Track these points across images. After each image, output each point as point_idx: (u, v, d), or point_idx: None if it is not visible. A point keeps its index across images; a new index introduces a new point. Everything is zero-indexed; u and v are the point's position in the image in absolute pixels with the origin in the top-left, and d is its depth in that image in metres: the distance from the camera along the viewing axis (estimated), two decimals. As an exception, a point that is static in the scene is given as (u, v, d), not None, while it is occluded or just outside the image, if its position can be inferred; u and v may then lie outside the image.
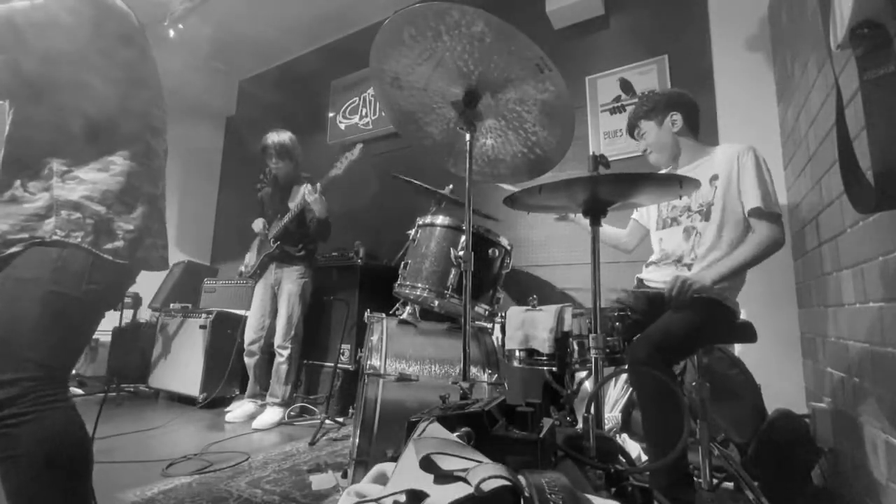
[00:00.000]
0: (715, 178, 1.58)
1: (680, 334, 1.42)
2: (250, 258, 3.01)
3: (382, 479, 0.64)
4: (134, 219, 1.05)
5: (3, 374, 0.88)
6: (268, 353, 2.89)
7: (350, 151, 2.62)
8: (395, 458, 0.69)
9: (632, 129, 1.76)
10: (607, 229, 1.96)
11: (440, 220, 1.73)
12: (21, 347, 0.90)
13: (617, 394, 2.02)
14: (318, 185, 2.70)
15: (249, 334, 2.88)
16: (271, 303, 2.89)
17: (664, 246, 1.69)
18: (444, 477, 0.56)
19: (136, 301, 3.74)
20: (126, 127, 1.07)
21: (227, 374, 3.05)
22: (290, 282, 2.83)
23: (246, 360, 2.90)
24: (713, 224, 1.56)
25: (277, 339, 2.78)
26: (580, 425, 0.93)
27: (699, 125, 1.70)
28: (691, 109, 1.68)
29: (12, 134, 1.01)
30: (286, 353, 2.75)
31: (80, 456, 0.96)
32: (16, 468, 0.87)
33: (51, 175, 0.97)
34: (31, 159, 0.99)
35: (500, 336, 1.71)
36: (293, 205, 2.81)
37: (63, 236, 0.95)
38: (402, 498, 0.56)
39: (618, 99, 2.80)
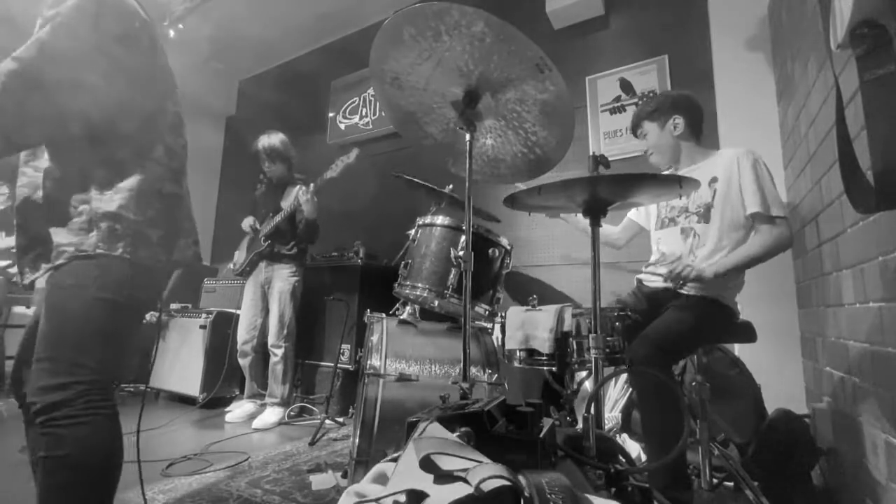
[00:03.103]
0: (714, 180, 1.58)
1: (679, 334, 1.42)
2: (239, 256, 3.02)
3: (382, 479, 0.64)
4: (165, 223, 1.08)
5: (58, 378, 0.92)
6: (262, 353, 2.89)
7: (347, 155, 2.62)
8: (395, 459, 0.69)
9: (635, 127, 1.76)
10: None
11: (440, 220, 1.73)
12: (74, 352, 0.94)
13: (617, 394, 2.02)
14: (312, 186, 2.70)
15: (241, 334, 2.88)
16: (262, 302, 2.89)
17: (662, 247, 1.69)
18: (444, 477, 0.56)
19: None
20: (144, 130, 1.08)
21: (224, 373, 3.05)
22: (281, 280, 2.82)
23: (240, 360, 2.89)
24: (713, 227, 1.56)
25: (271, 339, 2.78)
26: (580, 425, 0.92)
27: (702, 129, 1.71)
28: (695, 113, 1.68)
29: (53, 153, 1.04)
30: (280, 352, 2.75)
31: (115, 463, 0.99)
32: (56, 468, 0.90)
33: (89, 187, 1.01)
34: (74, 175, 1.02)
35: (500, 336, 1.71)
36: (286, 204, 2.82)
37: (106, 249, 0.98)
38: (402, 498, 0.56)
39: (618, 99, 2.80)
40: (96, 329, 0.97)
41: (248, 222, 2.97)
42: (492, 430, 0.70)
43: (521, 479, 0.56)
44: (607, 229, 1.96)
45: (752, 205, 1.49)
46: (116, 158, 1.04)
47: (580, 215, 1.94)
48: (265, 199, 3.01)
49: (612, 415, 1.94)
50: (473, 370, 1.59)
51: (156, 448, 2.15)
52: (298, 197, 2.71)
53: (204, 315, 3.19)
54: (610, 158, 1.36)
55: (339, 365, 2.75)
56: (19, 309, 3.42)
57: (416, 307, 1.86)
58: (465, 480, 0.54)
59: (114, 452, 0.99)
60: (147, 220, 1.04)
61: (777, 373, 2.03)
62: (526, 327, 1.55)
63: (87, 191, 1.01)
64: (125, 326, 1.04)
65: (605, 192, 1.20)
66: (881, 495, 1.24)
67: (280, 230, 2.85)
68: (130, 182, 1.03)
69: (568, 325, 1.48)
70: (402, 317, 1.77)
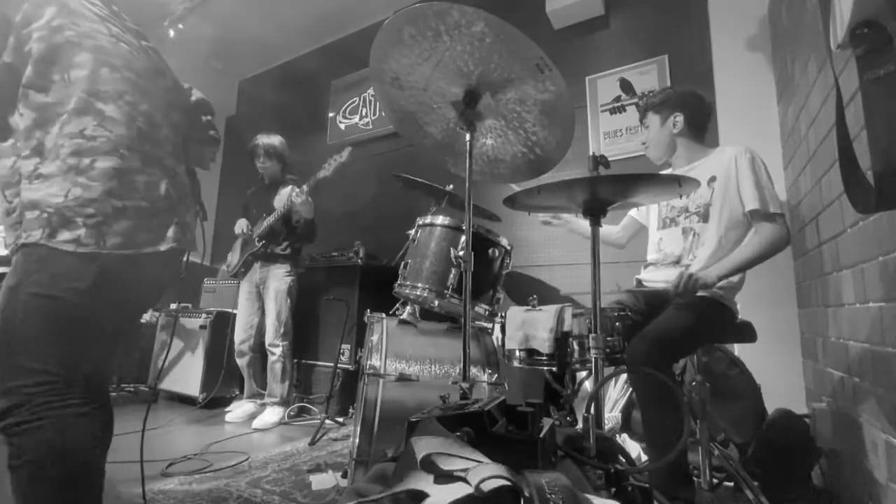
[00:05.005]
0: (713, 179, 1.58)
1: (678, 333, 1.42)
2: (232, 258, 3.02)
3: (382, 479, 0.64)
4: (94, 200, 0.94)
5: (3, 382, 0.88)
6: (259, 353, 2.89)
7: (339, 154, 2.63)
8: (395, 458, 0.69)
9: (642, 117, 1.78)
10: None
11: (440, 220, 1.73)
12: (15, 355, 0.89)
13: (617, 394, 2.02)
14: (306, 186, 2.70)
15: (239, 335, 2.88)
16: (258, 301, 2.90)
17: (663, 246, 1.69)
18: (444, 477, 0.56)
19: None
20: (49, 105, 0.97)
21: (223, 373, 3.05)
22: (276, 280, 2.83)
23: (238, 361, 2.90)
24: (712, 226, 1.56)
25: (268, 339, 2.78)
26: (580, 425, 0.93)
27: (705, 128, 1.71)
28: (697, 112, 1.68)
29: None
30: (278, 351, 2.75)
31: (90, 467, 0.94)
32: (20, 477, 0.87)
33: (20, 179, 0.95)
34: (8, 166, 0.97)
35: (500, 336, 1.71)
36: (279, 204, 2.82)
37: (26, 238, 0.92)
38: (403, 497, 0.56)
39: (618, 99, 2.80)
40: (36, 329, 0.90)
41: (240, 226, 2.96)
42: (492, 430, 0.70)
43: (522, 478, 0.56)
44: (607, 229, 1.96)
45: (751, 202, 1.49)
46: (33, 138, 0.95)
47: (580, 217, 1.96)
48: (257, 199, 3.01)
49: (612, 415, 1.93)
50: (473, 370, 1.59)
51: (156, 448, 2.15)
52: (292, 198, 2.72)
53: (204, 315, 3.19)
54: (610, 158, 1.36)
55: (339, 365, 2.75)
56: None
57: (416, 307, 1.86)
58: (465, 480, 0.54)
59: (77, 454, 0.92)
60: (73, 198, 0.93)
61: (777, 373, 2.03)
62: (526, 327, 1.55)
63: (19, 182, 0.94)
64: (75, 324, 0.94)
65: (605, 192, 1.20)
66: (881, 495, 1.24)
67: (274, 230, 2.85)
68: (51, 167, 0.93)
69: (568, 325, 1.48)
70: (402, 317, 1.76)
